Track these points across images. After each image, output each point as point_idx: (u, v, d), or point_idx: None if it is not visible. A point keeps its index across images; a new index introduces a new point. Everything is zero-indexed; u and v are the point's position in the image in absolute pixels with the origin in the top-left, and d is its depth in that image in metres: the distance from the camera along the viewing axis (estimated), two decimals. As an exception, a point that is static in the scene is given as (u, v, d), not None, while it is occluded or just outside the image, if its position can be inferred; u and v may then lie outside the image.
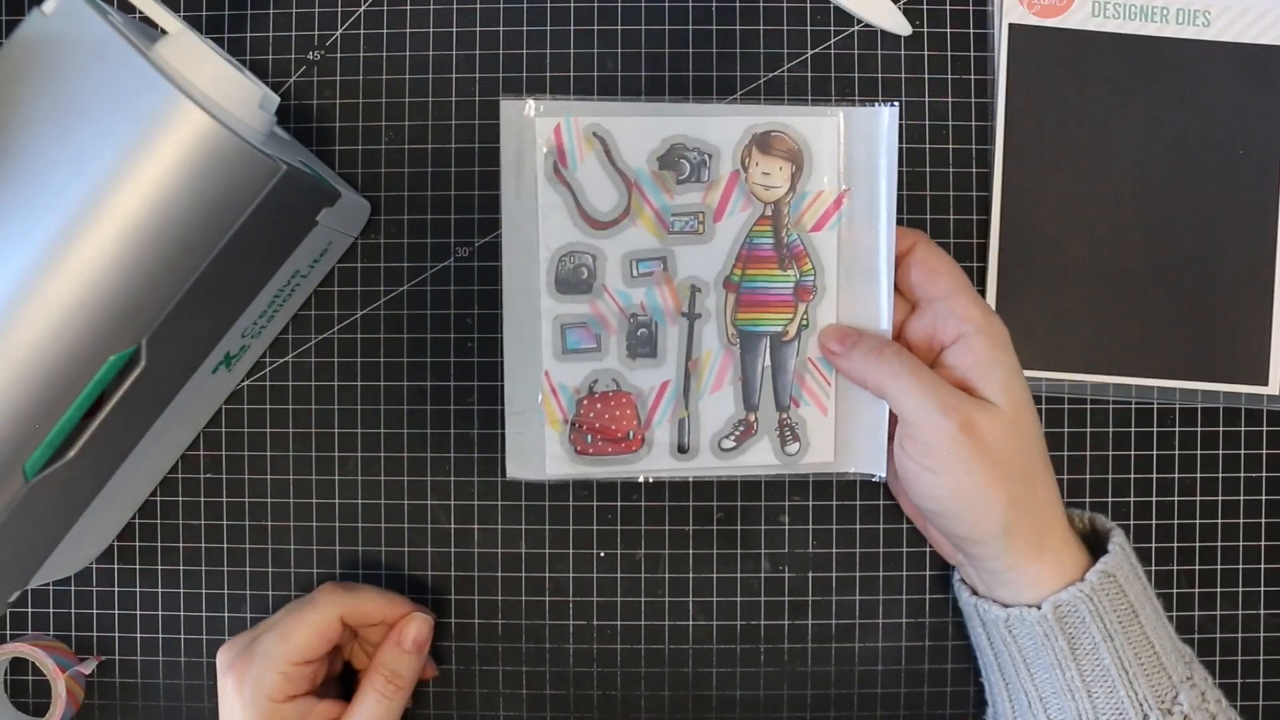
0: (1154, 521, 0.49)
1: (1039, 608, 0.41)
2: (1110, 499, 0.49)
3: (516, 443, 0.44)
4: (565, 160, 0.42)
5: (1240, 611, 0.49)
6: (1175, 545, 0.49)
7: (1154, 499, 0.49)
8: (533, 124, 0.41)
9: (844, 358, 0.43)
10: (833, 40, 0.49)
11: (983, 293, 0.48)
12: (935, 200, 0.49)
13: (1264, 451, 0.49)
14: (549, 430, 0.43)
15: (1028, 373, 0.47)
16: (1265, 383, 0.48)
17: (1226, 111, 0.48)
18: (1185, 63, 0.48)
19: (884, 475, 0.44)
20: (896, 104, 0.43)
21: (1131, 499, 0.49)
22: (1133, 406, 0.49)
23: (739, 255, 0.42)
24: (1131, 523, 0.49)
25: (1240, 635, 0.49)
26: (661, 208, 0.42)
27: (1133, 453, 0.49)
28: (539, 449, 0.44)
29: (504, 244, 0.43)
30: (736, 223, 0.42)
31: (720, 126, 0.41)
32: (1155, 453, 0.49)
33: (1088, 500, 0.49)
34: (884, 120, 0.42)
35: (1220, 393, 0.48)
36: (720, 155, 0.42)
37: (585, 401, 0.43)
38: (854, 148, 0.42)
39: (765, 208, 0.43)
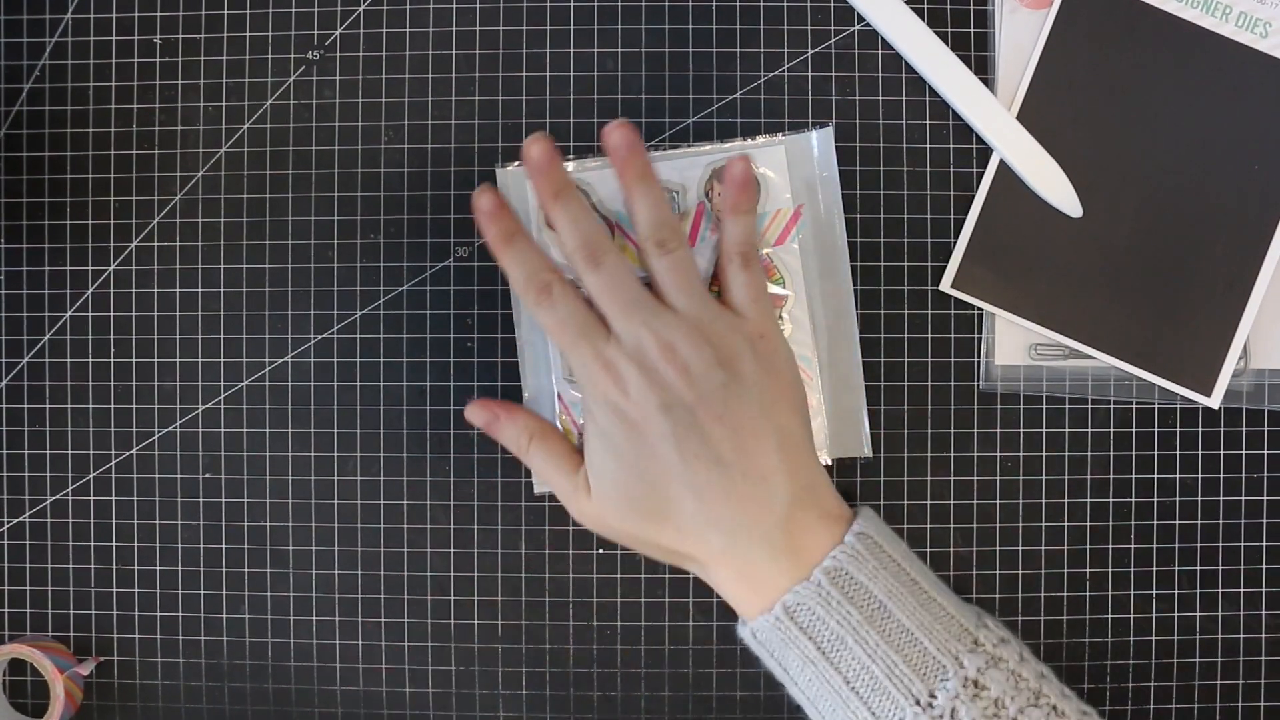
0: (1154, 521, 0.49)
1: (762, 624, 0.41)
2: (1110, 499, 0.49)
3: None
4: None
5: (1241, 612, 0.49)
6: (1176, 545, 0.49)
7: (1154, 499, 0.49)
8: (525, 183, 0.47)
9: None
10: (833, 40, 0.49)
11: (959, 223, 0.49)
12: (935, 200, 0.49)
13: (1265, 452, 0.49)
14: None
15: (987, 306, 0.48)
16: (1209, 394, 0.48)
17: (1255, 124, 0.48)
18: (1230, 65, 0.48)
19: (869, 455, 0.48)
20: (829, 125, 0.48)
21: (1132, 499, 0.49)
22: (1133, 407, 0.49)
23: (714, 274, 0.46)
24: (1133, 523, 0.49)
25: (1241, 636, 0.49)
26: None
27: (1133, 453, 0.49)
28: None
29: (511, 288, 0.47)
30: (708, 246, 0.47)
31: (683, 166, 0.47)
32: (1155, 453, 0.49)
33: (1089, 500, 0.49)
34: (819, 141, 0.48)
35: (1163, 389, 0.48)
36: (686, 191, 0.47)
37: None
38: (799, 169, 0.48)
39: None
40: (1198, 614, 0.49)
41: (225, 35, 0.50)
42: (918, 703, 0.37)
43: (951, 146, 0.49)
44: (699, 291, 0.42)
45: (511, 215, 0.44)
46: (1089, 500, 0.49)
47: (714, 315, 0.42)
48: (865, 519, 0.41)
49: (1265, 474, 0.49)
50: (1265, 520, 0.49)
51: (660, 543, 0.41)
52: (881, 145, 0.49)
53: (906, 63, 0.49)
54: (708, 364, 0.40)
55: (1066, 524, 0.49)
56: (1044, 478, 0.49)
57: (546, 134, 0.43)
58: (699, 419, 0.40)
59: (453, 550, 0.49)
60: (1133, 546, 0.49)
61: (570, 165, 0.47)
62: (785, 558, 0.40)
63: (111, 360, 0.50)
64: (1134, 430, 0.49)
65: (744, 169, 0.44)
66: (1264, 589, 0.49)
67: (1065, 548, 0.49)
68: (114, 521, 0.50)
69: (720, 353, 0.41)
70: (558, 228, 0.43)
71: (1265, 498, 0.49)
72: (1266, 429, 0.49)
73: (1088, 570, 0.49)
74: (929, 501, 0.49)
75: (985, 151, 0.49)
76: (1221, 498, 0.49)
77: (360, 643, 0.50)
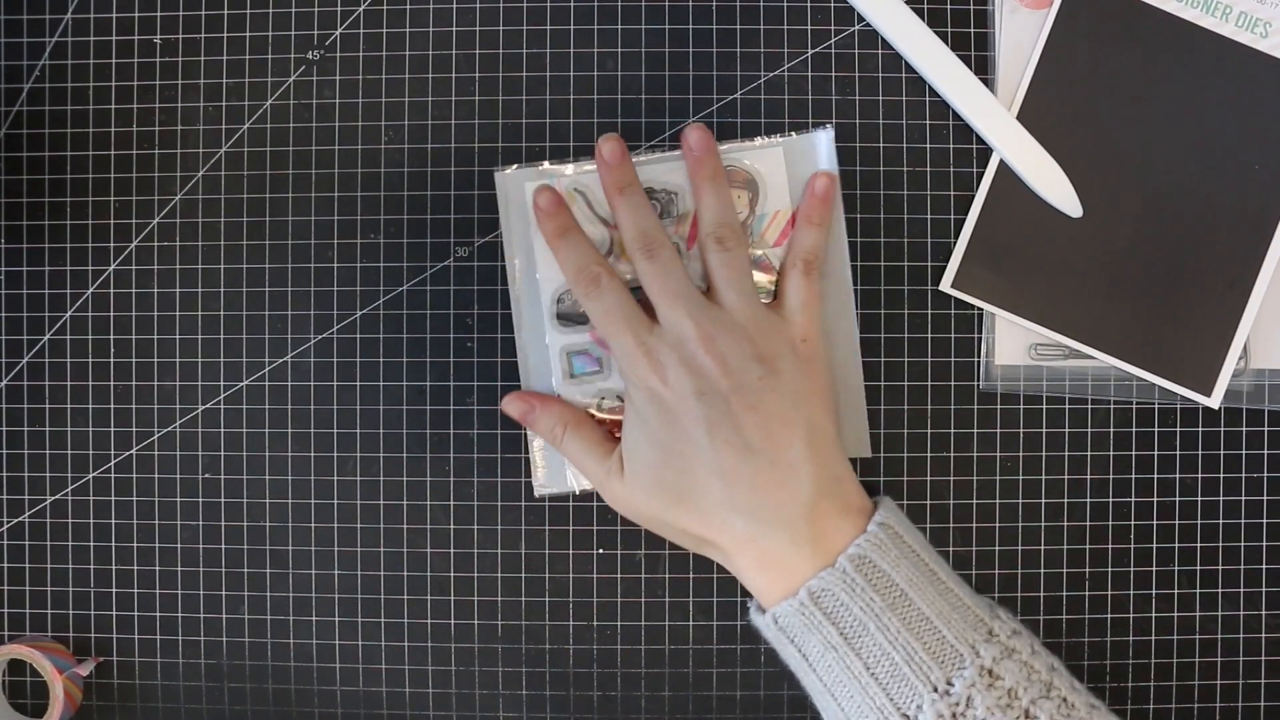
0: (1154, 522, 0.49)
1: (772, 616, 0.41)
2: (1110, 499, 0.49)
3: (543, 461, 0.48)
4: None
5: (1241, 612, 0.49)
6: (1175, 545, 0.49)
7: (1154, 499, 0.49)
8: (523, 188, 0.47)
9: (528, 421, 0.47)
10: (833, 40, 0.49)
11: (959, 223, 0.49)
12: (935, 200, 0.49)
13: (1265, 452, 0.49)
14: None
15: (988, 306, 0.48)
16: (1209, 394, 0.48)
17: (1255, 124, 0.48)
18: (1230, 65, 0.48)
19: (869, 454, 0.48)
20: (829, 125, 0.47)
21: (1132, 499, 0.49)
22: (1133, 407, 0.49)
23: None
24: (1132, 523, 0.49)
25: (1242, 636, 0.49)
26: None
27: (1133, 453, 0.49)
28: (561, 465, 0.48)
29: (511, 290, 0.48)
30: None
31: (681, 168, 0.47)
32: (1155, 453, 0.49)
33: (1089, 500, 0.49)
34: (820, 143, 0.47)
35: (1163, 389, 0.48)
36: (684, 192, 0.47)
37: (596, 418, 0.47)
38: (798, 170, 0.47)
39: None
40: (1198, 614, 0.49)
41: (225, 35, 0.50)
42: (935, 690, 0.38)
43: (951, 146, 0.49)
44: (749, 291, 0.44)
45: (567, 212, 0.46)
46: (1089, 500, 0.49)
47: (760, 315, 0.43)
48: (886, 509, 0.42)
49: (1265, 474, 0.49)
50: (1265, 520, 0.49)
51: (685, 527, 0.42)
52: (881, 145, 0.49)
53: (906, 63, 0.49)
54: (745, 357, 0.42)
55: (1066, 524, 0.49)
56: (1044, 478, 0.49)
57: (618, 135, 0.45)
58: (732, 407, 0.41)
59: (453, 550, 0.49)
60: (1133, 546, 0.49)
61: (570, 169, 0.47)
62: (808, 545, 0.41)
63: (111, 360, 0.50)
64: (1134, 430, 0.49)
65: (827, 183, 0.46)
66: (1264, 589, 0.49)
67: (1065, 548, 0.49)
68: (114, 521, 0.50)
69: (760, 349, 0.42)
70: (619, 219, 0.45)
71: (1265, 498, 0.49)
72: (1266, 429, 0.49)
73: (1088, 570, 0.49)
74: (929, 501, 0.49)
75: (985, 151, 0.49)
76: (1221, 498, 0.49)
77: (360, 643, 0.49)
